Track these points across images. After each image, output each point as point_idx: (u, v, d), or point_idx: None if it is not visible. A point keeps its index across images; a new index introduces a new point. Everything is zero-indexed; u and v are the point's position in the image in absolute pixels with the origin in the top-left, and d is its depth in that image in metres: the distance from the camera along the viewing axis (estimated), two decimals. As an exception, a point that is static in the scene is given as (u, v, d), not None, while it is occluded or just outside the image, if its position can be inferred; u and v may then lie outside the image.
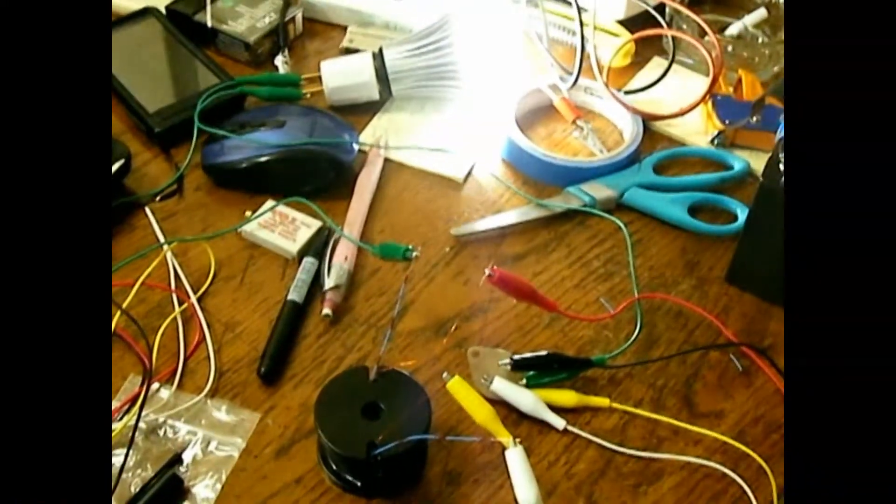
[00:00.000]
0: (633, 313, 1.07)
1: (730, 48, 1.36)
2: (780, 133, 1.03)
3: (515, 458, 0.90)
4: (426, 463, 0.94)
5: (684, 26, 1.35)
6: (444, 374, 0.94)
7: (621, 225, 1.14)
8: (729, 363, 1.04)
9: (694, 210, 1.18)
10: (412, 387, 0.91)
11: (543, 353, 1.00)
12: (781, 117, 1.12)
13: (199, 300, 1.06)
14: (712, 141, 1.26)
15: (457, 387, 0.93)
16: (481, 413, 0.92)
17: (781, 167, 1.00)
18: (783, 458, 0.93)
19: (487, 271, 0.95)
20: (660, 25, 1.33)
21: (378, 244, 1.09)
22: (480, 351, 1.00)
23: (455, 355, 1.03)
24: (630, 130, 1.27)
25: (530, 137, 1.25)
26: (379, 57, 1.27)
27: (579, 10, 1.29)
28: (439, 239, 1.14)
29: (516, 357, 0.99)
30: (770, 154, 1.02)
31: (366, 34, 1.39)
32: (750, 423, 1.00)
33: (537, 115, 1.33)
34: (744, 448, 0.96)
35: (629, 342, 1.03)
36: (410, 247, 1.06)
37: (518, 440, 0.91)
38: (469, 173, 1.23)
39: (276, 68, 1.34)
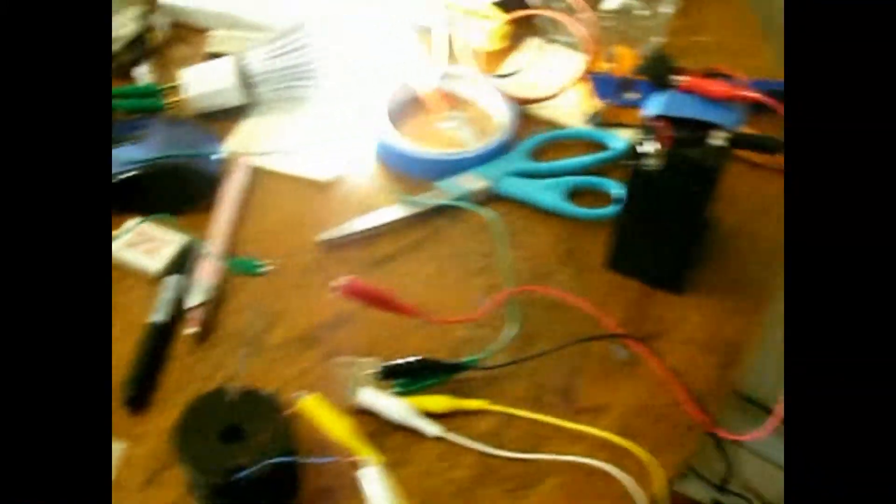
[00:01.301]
0: (511, 308, 1.04)
1: (608, 23, 1.32)
2: (646, 111, 0.99)
3: (368, 480, 0.86)
4: (299, 481, 0.90)
5: (560, 4, 1.31)
6: (300, 393, 0.90)
7: (490, 217, 1.10)
8: (610, 354, 1.01)
9: (573, 195, 1.14)
10: (273, 406, 0.87)
11: (412, 359, 0.96)
12: (649, 96, 1.09)
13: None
14: (591, 121, 1.22)
15: (310, 406, 0.89)
16: (339, 431, 0.89)
17: (646, 147, 0.96)
18: (669, 447, 0.93)
19: (339, 283, 0.91)
20: (529, 6, 1.29)
21: (232, 259, 1.05)
22: (347, 361, 0.97)
23: (325, 367, 0.99)
24: (503, 117, 1.23)
25: (404, 132, 1.22)
26: (241, 60, 1.22)
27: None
28: (309, 245, 1.10)
29: (383, 366, 0.95)
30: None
31: (231, 37, 1.35)
32: (634, 414, 0.97)
33: (410, 108, 1.29)
34: (626, 443, 0.93)
35: (504, 340, 0.99)
36: (259, 262, 1.02)
37: (374, 459, 0.87)
38: (340, 175, 1.18)
39: (138, 78, 1.29)
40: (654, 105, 0.99)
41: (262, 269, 1.03)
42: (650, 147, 0.96)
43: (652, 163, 0.96)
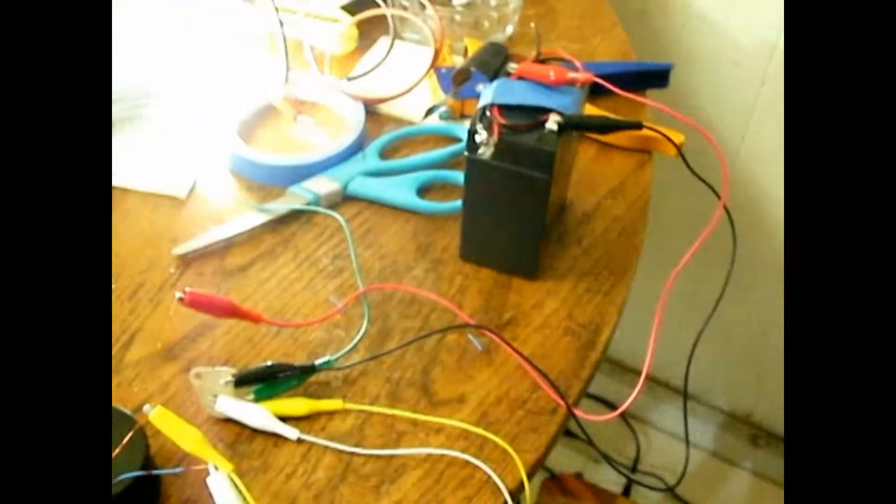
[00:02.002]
0: (364, 307, 1.04)
1: (457, 17, 1.33)
2: (482, 102, 1.00)
3: (217, 487, 0.86)
4: (159, 496, 0.90)
5: (405, 2, 1.32)
6: (145, 408, 0.90)
7: (340, 219, 1.10)
8: (468, 345, 1.02)
9: (426, 190, 1.15)
10: (125, 422, 0.87)
11: (263, 364, 0.96)
12: (481, 86, 1.10)
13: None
14: (430, 113, 1.23)
15: (160, 419, 0.89)
16: (187, 441, 0.89)
17: (478, 137, 0.97)
18: (530, 432, 0.95)
19: (178, 294, 0.91)
20: (379, 5, 1.30)
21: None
22: (203, 371, 0.96)
23: (183, 379, 0.99)
24: (353, 118, 1.23)
25: (257, 141, 1.22)
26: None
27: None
28: (164, 260, 1.10)
29: (237, 374, 0.95)
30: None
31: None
32: (493, 402, 0.98)
33: (262, 117, 1.30)
34: (482, 432, 0.95)
35: (358, 339, 1.00)
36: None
37: (222, 466, 0.88)
38: (193, 189, 1.18)
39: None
40: (486, 93, 1.00)
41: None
42: (483, 136, 0.97)
43: (485, 151, 0.97)
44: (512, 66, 1.04)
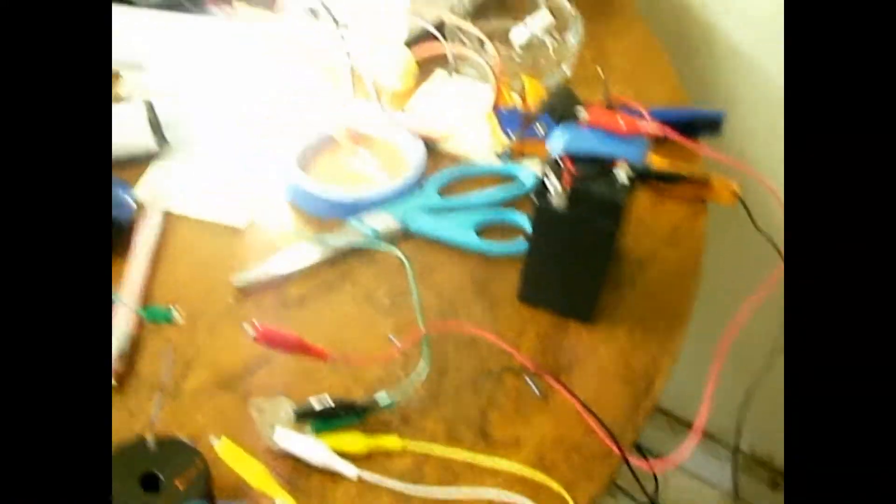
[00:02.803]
0: (424, 346, 1.04)
1: (515, 56, 1.34)
2: (550, 148, 1.01)
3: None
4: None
5: (465, 39, 1.33)
6: (211, 438, 0.91)
7: (402, 258, 1.10)
8: (524, 388, 1.02)
9: (483, 229, 1.15)
10: (190, 452, 0.88)
11: (326, 400, 0.96)
12: (553, 132, 1.11)
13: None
14: (499, 155, 1.23)
15: (226, 450, 0.90)
16: (252, 475, 0.89)
17: (550, 184, 0.98)
18: (584, 478, 0.95)
19: (250, 331, 0.92)
20: (439, 40, 1.31)
21: (146, 307, 1.06)
22: (264, 403, 0.97)
23: (242, 410, 0.99)
24: (413, 154, 1.24)
25: (315, 173, 1.23)
26: (150, 106, 1.22)
27: (342, 32, 1.27)
28: (223, 290, 1.10)
29: (298, 409, 0.95)
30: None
31: (141, 82, 1.34)
32: (549, 446, 0.98)
33: (319, 149, 1.30)
34: (540, 476, 0.94)
35: (418, 378, 1.00)
36: (172, 309, 1.03)
37: (287, 502, 0.88)
38: (252, 219, 1.19)
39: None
40: (558, 142, 1.01)
41: (175, 318, 1.02)
42: (554, 185, 0.97)
43: (556, 201, 0.98)
44: (580, 110, 1.04)
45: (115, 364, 1.02)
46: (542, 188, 0.98)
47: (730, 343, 1.02)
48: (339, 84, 1.27)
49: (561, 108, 1.05)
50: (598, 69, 1.31)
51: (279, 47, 1.37)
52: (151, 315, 1.05)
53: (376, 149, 1.28)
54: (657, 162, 1.20)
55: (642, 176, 1.03)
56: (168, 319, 1.03)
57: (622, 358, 1.06)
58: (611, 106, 1.06)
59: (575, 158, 0.99)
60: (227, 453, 0.90)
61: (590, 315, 1.07)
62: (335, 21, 1.28)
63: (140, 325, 1.07)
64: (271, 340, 0.95)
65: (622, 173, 0.98)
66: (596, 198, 0.97)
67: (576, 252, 1.02)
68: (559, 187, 0.97)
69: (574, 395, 0.99)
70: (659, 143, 1.11)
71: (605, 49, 1.50)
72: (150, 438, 0.88)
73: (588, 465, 0.96)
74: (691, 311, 1.13)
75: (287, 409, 0.96)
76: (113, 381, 1.01)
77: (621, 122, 1.02)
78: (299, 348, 0.97)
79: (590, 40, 1.41)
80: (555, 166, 0.98)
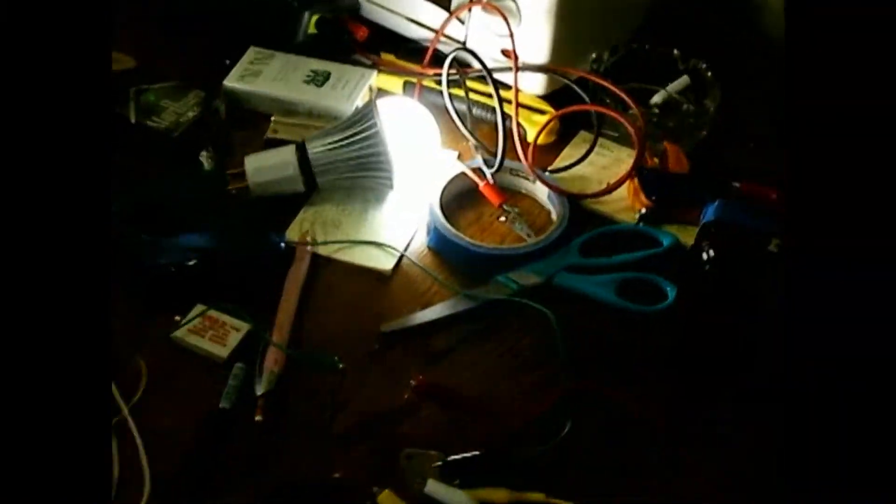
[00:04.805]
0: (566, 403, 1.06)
1: (655, 119, 1.35)
2: (703, 218, 1.03)
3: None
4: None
5: (607, 99, 1.35)
6: (375, 489, 0.93)
7: (549, 314, 1.12)
8: (662, 452, 1.05)
9: (623, 290, 1.17)
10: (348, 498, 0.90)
11: (474, 454, 0.99)
12: (705, 199, 1.12)
13: (130, 409, 1.05)
14: (640, 218, 1.25)
15: (386, 501, 0.92)
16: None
17: (703, 254, 0.99)
18: None
19: (413, 382, 0.94)
20: (583, 100, 1.32)
21: (306, 353, 1.11)
22: (413, 453, 1.00)
23: (388, 456, 1.02)
24: (557, 211, 1.27)
25: (457, 224, 1.25)
26: (301, 150, 1.26)
27: (497, 89, 1.30)
28: (369, 335, 1.13)
29: (448, 460, 0.98)
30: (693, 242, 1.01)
31: (289, 123, 1.38)
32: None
33: (464, 199, 1.33)
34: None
35: (561, 434, 1.03)
36: (336, 359, 1.05)
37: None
38: (397, 265, 1.21)
39: (202, 164, 1.32)
40: (711, 212, 1.02)
41: (339, 367, 1.05)
42: (707, 253, 0.99)
43: (707, 268, 0.99)
44: (729, 184, 1.06)
45: (266, 403, 1.06)
46: (696, 256, 0.99)
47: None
48: (489, 138, 1.29)
49: (710, 183, 1.06)
50: (751, 145, 1.32)
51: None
52: (315, 362, 1.07)
53: (521, 204, 1.30)
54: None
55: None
56: (335, 368, 1.05)
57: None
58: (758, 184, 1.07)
59: (726, 227, 1.00)
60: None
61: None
62: (488, 73, 1.29)
63: (289, 365, 1.10)
64: (430, 395, 0.96)
65: (774, 247, 0.99)
66: (747, 270, 0.98)
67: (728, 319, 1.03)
68: (712, 255, 0.98)
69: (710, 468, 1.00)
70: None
71: (740, 114, 1.50)
72: (307, 481, 0.90)
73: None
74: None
75: (437, 460, 0.98)
76: (261, 419, 1.04)
77: (770, 196, 1.02)
78: (461, 405, 0.99)
79: (724, 104, 1.41)
80: (708, 235, 0.99)
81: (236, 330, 1.11)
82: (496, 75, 1.33)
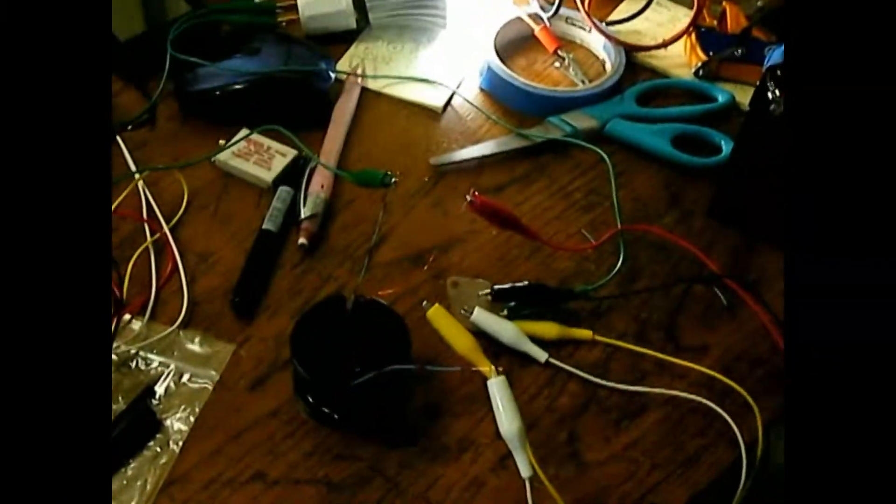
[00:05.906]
0: (616, 245, 1.05)
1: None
2: (768, 62, 1.01)
3: (498, 389, 0.88)
4: (406, 397, 0.92)
5: (668, -44, 1.32)
6: (424, 303, 0.93)
7: (604, 155, 1.11)
8: (713, 297, 1.02)
9: (677, 142, 1.15)
10: (390, 316, 0.89)
11: (524, 283, 0.97)
12: (768, 49, 1.10)
13: (171, 230, 1.04)
14: (696, 73, 1.23)
15: (437, 315, 0.92)
16: (462, 343, 0.91)
17: (770, 95, 0.97)
18: (766, 393, 0.94)
19: (469, 197, 0.92)
20: (643, -45, 1.30)
21: (359, 171, 1.07)
22: (460, 281, 0.98)
23: (433, 286, 1.01)
24: (612, 61, 1.25)
25: (510, 67, 1.22)
26: (355, -16, 1.23)
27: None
28: (418, 168, 1.11)
29: (497, 287, 0.96)
30: (756, 85, 0.99)
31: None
32: (734, 358, 0.99)
33: (518, 44, 1.30)
34: (730, 383, 0.94)
35: (612, 274, 1.01)
36: (389, 173, 1.03)
37: (500, 370, 0.89)
38: (448, 103, 1.19)
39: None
40: (777, 54, 1.01)
41: (391, 181, 1.03)
42: (773, 94, 0.97)
43: (775, 109, 0.97)
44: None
45: (310, 227, 1.04)
46: (761, 98, 0.97)
47: None
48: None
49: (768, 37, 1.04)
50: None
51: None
52: (364, 179, 1.05)
53: (575, 52, 1.28)
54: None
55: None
56: (384, 183, 1.03)
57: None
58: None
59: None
60: (437, 318, 0.91)
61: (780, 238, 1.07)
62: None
63: (335, 192, 1.10)
64: (487, 211, 0.94)
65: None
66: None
67: (780, 168, 1.01)
68: (778, 97, 0.96)
69: (768, 309, 0.98)
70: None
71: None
72: (350, 300, 0.88)
73: (771, 381, 0.96)
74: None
75: (484, 288, 0.97)
76: (305, 243, 1.02)
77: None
78: (512, 224, 0.97)
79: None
80: (774, 76, 0.97)
81: (282, 155, 1.09)
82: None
